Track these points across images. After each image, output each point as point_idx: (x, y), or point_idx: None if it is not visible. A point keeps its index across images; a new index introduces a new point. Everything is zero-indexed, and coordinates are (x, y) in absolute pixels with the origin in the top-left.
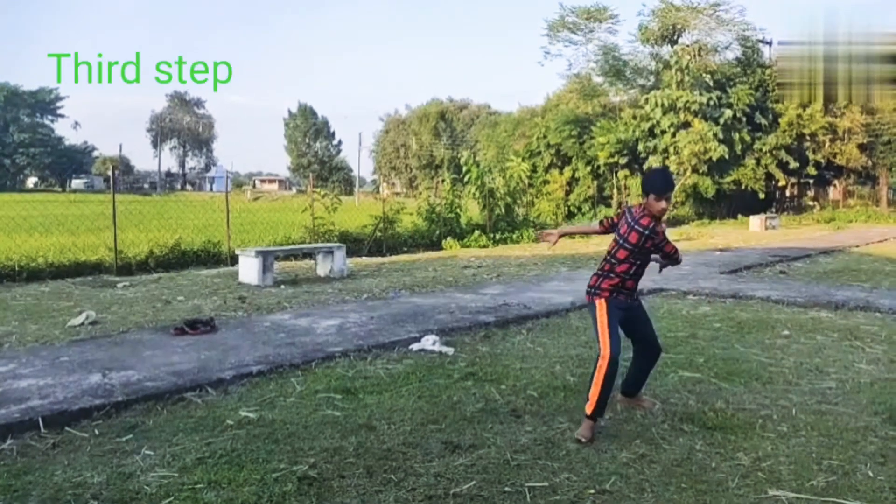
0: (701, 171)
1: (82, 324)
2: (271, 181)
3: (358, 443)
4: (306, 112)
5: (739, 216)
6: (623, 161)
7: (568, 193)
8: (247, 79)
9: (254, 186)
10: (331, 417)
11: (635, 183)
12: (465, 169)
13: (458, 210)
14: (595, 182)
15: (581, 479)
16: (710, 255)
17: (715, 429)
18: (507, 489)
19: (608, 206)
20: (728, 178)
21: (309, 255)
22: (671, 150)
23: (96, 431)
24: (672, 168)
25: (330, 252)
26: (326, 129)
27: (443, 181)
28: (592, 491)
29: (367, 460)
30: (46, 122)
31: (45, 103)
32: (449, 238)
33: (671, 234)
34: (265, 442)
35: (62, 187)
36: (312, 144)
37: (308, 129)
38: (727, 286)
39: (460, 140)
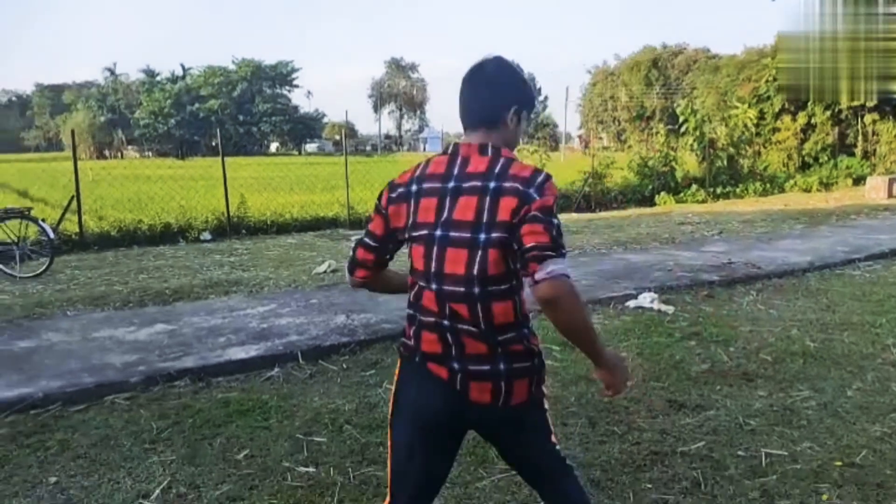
0: None
1: (325, 271)
2: None
3: (579, 393)
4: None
5: None
6: (871, 104)
7: (803, 142)
8: (457, 40)
9: None
10: (550, 368)
11: (887, 128)
12: (681, 119)
13: (672, 163)
14: (836, 129)
15: (825, 451)
16: None
17: None
18: (740, 453)
19: (851, 154)
20: None
21: None
22: None
23: (344, 365)
24: None
25: None
26: (533, 85)
27: (656, 133)
28: (839, 463)
29: (588, 411)
30: (284, 92)
31: (283, 76)
32: (662, 193)
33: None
34: None
35: (298, 151)
36: None
37: None
38: None
39: (675, 88)
